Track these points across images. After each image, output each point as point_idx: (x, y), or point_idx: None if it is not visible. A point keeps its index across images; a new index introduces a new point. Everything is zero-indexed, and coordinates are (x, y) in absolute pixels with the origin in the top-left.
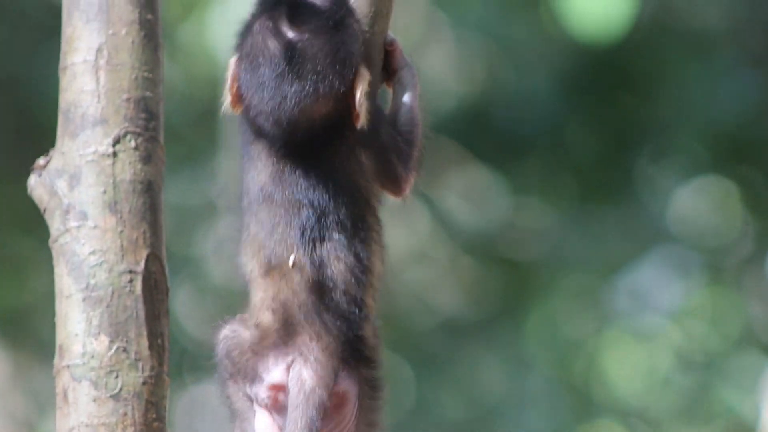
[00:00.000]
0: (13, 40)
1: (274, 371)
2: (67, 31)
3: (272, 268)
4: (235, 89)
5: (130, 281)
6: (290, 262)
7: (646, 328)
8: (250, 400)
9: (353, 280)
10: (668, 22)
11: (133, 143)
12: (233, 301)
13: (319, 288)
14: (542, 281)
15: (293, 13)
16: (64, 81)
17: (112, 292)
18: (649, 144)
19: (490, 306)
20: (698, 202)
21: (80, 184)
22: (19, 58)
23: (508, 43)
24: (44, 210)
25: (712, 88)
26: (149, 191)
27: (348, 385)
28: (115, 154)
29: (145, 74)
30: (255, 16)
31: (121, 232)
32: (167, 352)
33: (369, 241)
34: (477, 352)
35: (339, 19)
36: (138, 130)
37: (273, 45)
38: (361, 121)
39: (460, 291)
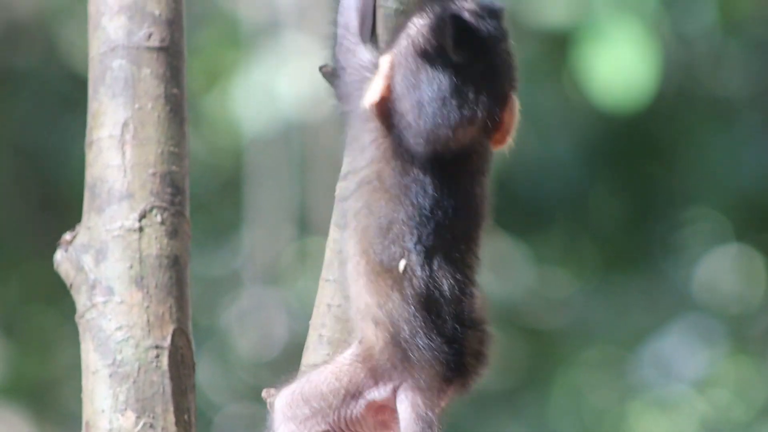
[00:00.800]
0: (38, 113)
1: (380, 390)
2: (93, 106)
3: (384, 271)
4: (386, 94)
5: (157, 356)
6: (401, 267)
7: (671, 397)
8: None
9: (460, 297)
10: (691, 90)
11: (159, 218)
12: (258, 372)
13: (428, 302)
14: (566, 351)
15: (459, 36)
16: (90, 156)
17: (139, 368)
18: (673, 212)
19: (515, 376)
20: (722, 270)
21: (106, 259)
22: (44, 131)
23: (531, 112)
24: (71, 285)
25: (735, 156)
26: (175, 266)
27: (444, 402)
28: (141, 229)
29: (171, 149)
30: (417, 25)
31: (148, 307)
32: (194, 427)
33: (474, 264)
34: (502, 423)
35: (499, 44)
36: (164, 204)
37: (438, 68)
38: (506, 145)
39: None
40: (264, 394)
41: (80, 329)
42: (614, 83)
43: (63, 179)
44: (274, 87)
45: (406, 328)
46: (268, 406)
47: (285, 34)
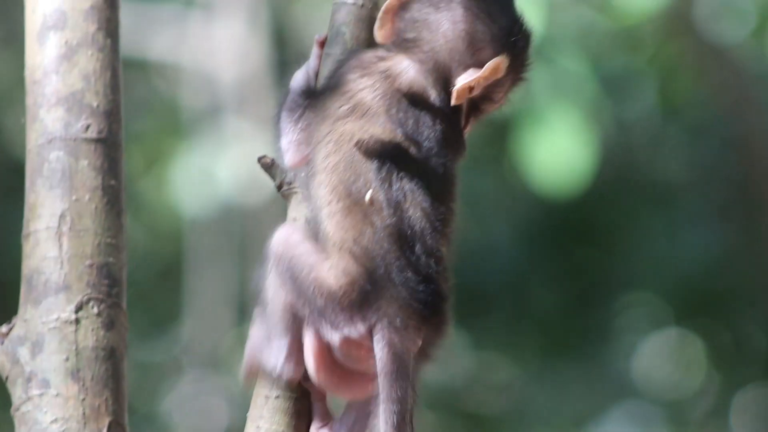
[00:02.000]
0: None
1: (357, 327)
2: (30, 198)
3: (354, 204)
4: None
5: None
6: (367, 197)
7: None
8: (297, 318)
9: (430, 229)
10: (631, 174)
11: (95, 310)
12: None
13: (399, 236)
14: None
15: None
16: (27, 248)
17: None
18: (612, 297)
19: None
20: (661, 355)
21: (43, 352)
22: None
23: (470, 197)
24: (6, 378)
25: (674, 241)
26: (112, 358)
27: (419, 341)
28: (77, 321)
29: (108, 240)
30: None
31: (84, 399)
32: None
33: (447, 220)
34: None
35: None
36: (101, 296)
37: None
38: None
39: None
40: None
41: (16, 422)
42: (553, 168)
43: (0, 271)
44: (213, 171)
45: (381, 263)
46: None
47: (225, 119)
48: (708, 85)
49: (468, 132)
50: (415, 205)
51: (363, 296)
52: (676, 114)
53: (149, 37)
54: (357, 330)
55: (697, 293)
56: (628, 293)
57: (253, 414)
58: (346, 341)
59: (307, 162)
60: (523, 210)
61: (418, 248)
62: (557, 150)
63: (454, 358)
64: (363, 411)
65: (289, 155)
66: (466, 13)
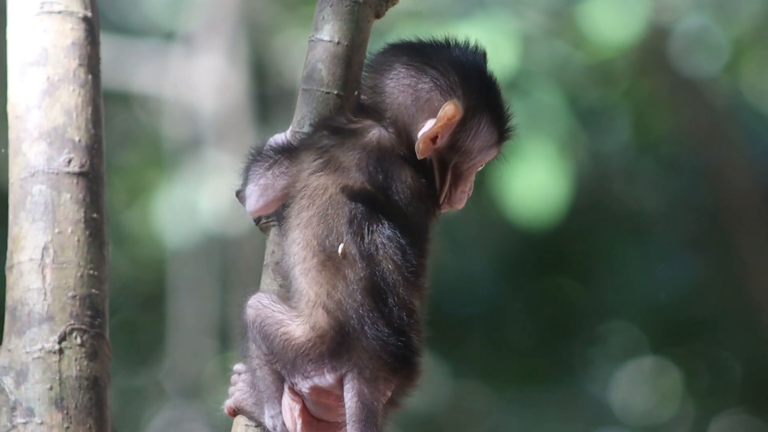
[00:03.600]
0: None
1: (326, 377)
2: (13, 230)
3: (327, 259)
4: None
5: None
6: (339, 250)
7: None
8: (281, 378)
9: (402, 282)
10: (606, 206)
11: (79, 340)
12: None
13: (372, 289)
14: None
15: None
16: (11, 279)
17: None
18: (588, 326)
19: None
20: (638, 382)
21: (27, 381)
22: None
23: (448, 228)
24: None
25: (649, 271)
26: (95, 387)
27: (388, 392)
28: (61, 351)
29: (91, 272)
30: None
31: (68, 428)
32: None
33: (420, 274)
34: None
35: None
36: (84, 327)
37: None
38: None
39: None
40: None
41: None
42: (529, 199)
43: None
44: (195, 202)
45: (354, 316)
46: None
47: (206, 151)
48: (681, 118)
49: (447, 189)
50: (387, 258)
51: (333, 348)
52: (650, 146)
53: (131, 70)
54: (326, 379)
55: (672, 322)
56: (604, 322)
57: None
58: (315, 390)
59: (274, 211)
60: (499, 240)
61: (390, 301)
62: (533, 181)
63: (433, 386)
64: None
65: (252, 200)
66: (407, 70)
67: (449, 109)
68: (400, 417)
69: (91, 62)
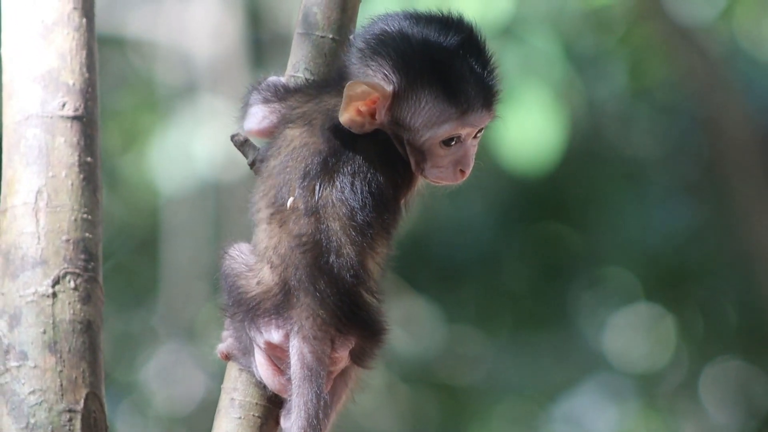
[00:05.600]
0: None
1: (273, 333)
2: (7, 173)
3: (277, 212)
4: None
5: (70, 420)
6: (289, 203)
7: None
8: (249, 336)
9: (350, 244)
10: (601, 152)
11: (72, 284)
12: (174, 427)
13: (313, 246)
14: (479, 407)
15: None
16: (5, 223)
17: (52, 431)
18: (583, 271)
19: (428, 431)
20: (632, 328)
21: (20, 325)
22: None
23: None
24: None
25: (644, 216)
26: (88, 331)
27: (342, 350)
28: (54, 295)
29: (85, 216)
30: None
31: (61, 371)
32: None
33: (377, 241)
34: None
35: None
36: (77, 270)
37: None
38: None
39: (397, 417)
40: None
41: None
42: (524, 146)
43: None
44: (189, 148)
45: (294, 272)
46: None
47: (200, 97)
48: (677, 65)
49: (416, 171)
50: (334, 218)
51: (277, 304)
52: (646, 93)
53: (125, 14)
54: (275, 336)
55: (666, 268)
56: (598, 268)
57: (227, 386)
58: (269, 345)
59: (266, 135)
60: (494, 186)
61: (332, 260)
62: (528, 128)
63: (427, 331)
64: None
65: (252, 120)
66: (364, 50)
67: (351, 86)
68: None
69: (86, 5)
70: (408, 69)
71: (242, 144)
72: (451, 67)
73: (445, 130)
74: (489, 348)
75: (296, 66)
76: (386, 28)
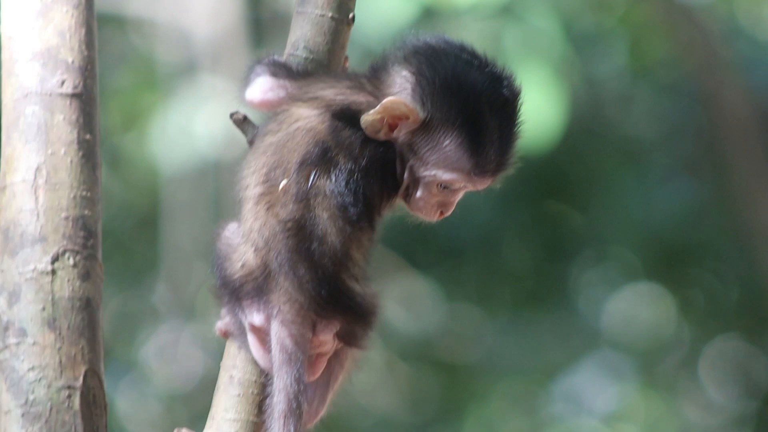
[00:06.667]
0: None
1: (255, 316)
2: (6, 151)
3: (267, 192)
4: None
5: (69, 397)
6: (281, 185)
7: (582, 431)
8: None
9: (336, 233)
10: (601, 131)
11: (71, 261)
12: (174, 404)
13: (298, 232)
14: (478, 385)
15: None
16: (4, 200)
17: (51, 408)
18: (583, 251)
19: (427, 409)
20: (632, 307)
21: (19, 301)
22: None
23: None
24: None
25: (645, 195)
26: (87, 308)
27: (325, 334)
28: (54, 272)
29: (84, 193)
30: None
31: (60, 348)
32: None
33: (364, 231)
34: None
35: None
36: (76, 248)
37: None
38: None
39: (397, 395)
40: None
41: None
42: (524, 125)
43: None
44: (190, 127)
45: (276, 257)
46: None
47: (201, 76)
48: (677, 44)
49: (401, 194)
50: (324, 208)
51: (258, 287)
52: (646, 72)
53: None
54: (256, 318)
55: (667, 247)
56: (598, 247)
57: (226, 364)
58: (253, 327)
59: (266, 108)
60: None
61: (315, 247)
62: (528, 107)
63: (427, 310)
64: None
65: (256, 89)
66: (411, 67)
67: (393, 101)
68: (394, 339)
69: None
70: (446, 107)
71: (242, 122)
72: (485, 124)
73: (451, 177)
74: (489, 326)
75: (295, 44)
76: (440, 55)
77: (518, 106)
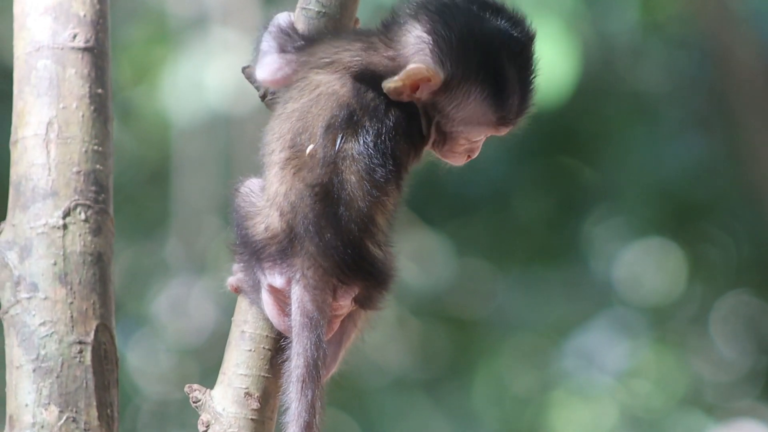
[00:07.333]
0: None
1: (277, 278)
2: (18, 105)
3: (293, 157)
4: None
5: (80, 352)
6: (308, 150)
7: (592, 387)
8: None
9: (362, 197)
10: (612, 85)
11: (83, 215)
12: (185, 359)
13: (325, 197)
14: (489, 341)
15: None
16: (15, 154)
17: (62, 363)
18: (595, 206)
19: (438, 365)
20: (643, 263)
21: (31, 256)
22: None
23: None
24: None
25: (656, 150)
26: (99, 263)
27: (344, 299)
28: (65, 227)
29: (95, 147)
30: None
31: (71, 303)
32: (117, 422)
33: (389, 195)
34: (424, 411)
35: None
36: (88, 202)
37: None
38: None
39: (407, 351)
40: (186, 389)
41: (4, 325)
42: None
43: None
44: (201, 80)
45: (302, 221)
46: (190, 400)
47: (212, 29)
48: None
49: (429, 146)
50: (351, 171)
51: (282, 250)
52: (658, 27)
53: None
54: (278, 281)
55: (678, 202)
56: (609, 202)
57: (237, 319)
58: (272, 288)
59: (280, 85)
60: None
61: (342, 211)
62: (539, 62)
63: (438, 265)
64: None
65: (267, 69)
66: (425, 26)
67: (414, 68)
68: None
69: None
70: (466, 64)
71: (253, 75)
72: (505, 74)
73: (479, 131)
74: (500, 282)
75: None
76: (452, 9)
77: (534, 48)
